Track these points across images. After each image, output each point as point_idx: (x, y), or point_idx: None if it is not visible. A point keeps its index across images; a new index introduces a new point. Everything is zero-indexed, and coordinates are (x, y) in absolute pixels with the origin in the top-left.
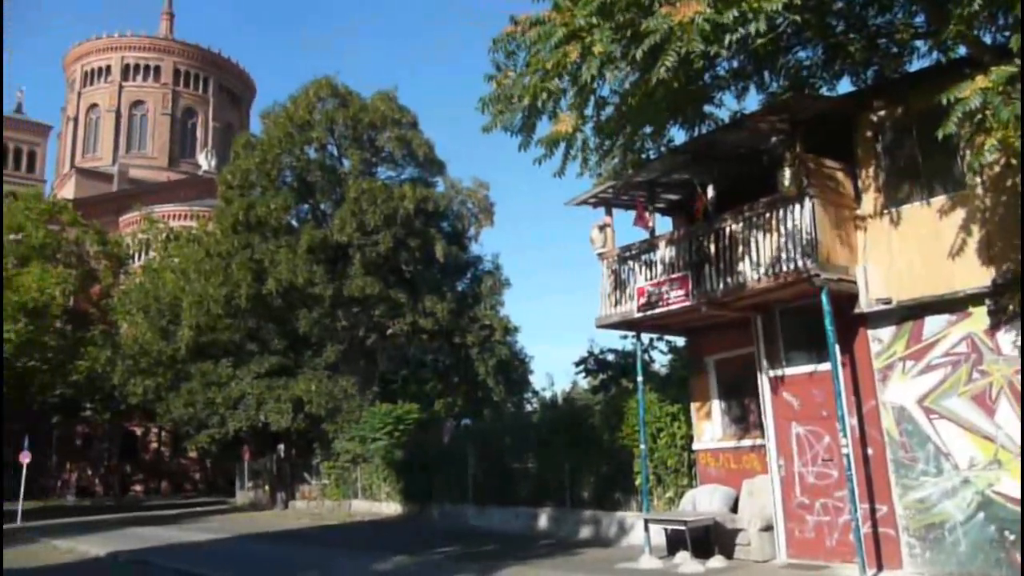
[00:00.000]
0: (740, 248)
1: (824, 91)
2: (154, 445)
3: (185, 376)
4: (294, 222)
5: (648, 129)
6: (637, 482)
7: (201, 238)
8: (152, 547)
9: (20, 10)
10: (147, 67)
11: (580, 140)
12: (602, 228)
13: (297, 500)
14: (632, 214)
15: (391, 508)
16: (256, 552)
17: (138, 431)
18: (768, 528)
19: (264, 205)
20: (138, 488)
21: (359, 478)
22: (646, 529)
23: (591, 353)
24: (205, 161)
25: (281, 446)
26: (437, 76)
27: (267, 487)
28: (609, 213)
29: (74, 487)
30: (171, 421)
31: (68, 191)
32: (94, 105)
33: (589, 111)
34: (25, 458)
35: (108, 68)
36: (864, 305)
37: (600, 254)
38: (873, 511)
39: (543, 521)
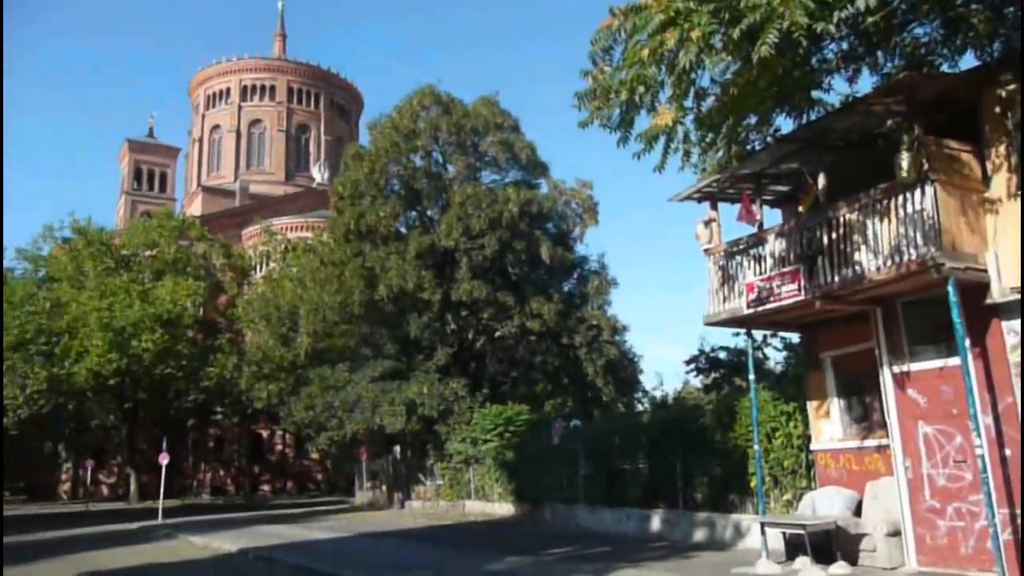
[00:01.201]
0: (856, 238)
1: (945, 68)
2: (279, 447)
3: (305, 381)
4: (402, 229)
5: (752, 119)
6: (752, 484)
7: (316, 248)
8: (278, 544)
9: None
10: (263, 87)
11: (681, 133)
12: (707, 223)
13: (413, 500)
14: (738, 207)
15: (504, 508)
16: (374, 550)
17: (264, 433)
18: (895, 533)
19: (374, 213)
20: (266, 488)
21: (472, 479)
22: (763, 533)
23: (702, 351)
24: (318, 174)
25: (397, 447)
26: (534, 74)
27: (384, 487)
28: (714, 207)
29: (208, 486)
30: (293, 424)
31: (196, 208)
32: (216, 126)
33: (689, 103)
34: (164, 459)
35: (228, 91)
36: (996, 295)
37: (706, 250)
38: (1013, 516)
39: (655, 523)
